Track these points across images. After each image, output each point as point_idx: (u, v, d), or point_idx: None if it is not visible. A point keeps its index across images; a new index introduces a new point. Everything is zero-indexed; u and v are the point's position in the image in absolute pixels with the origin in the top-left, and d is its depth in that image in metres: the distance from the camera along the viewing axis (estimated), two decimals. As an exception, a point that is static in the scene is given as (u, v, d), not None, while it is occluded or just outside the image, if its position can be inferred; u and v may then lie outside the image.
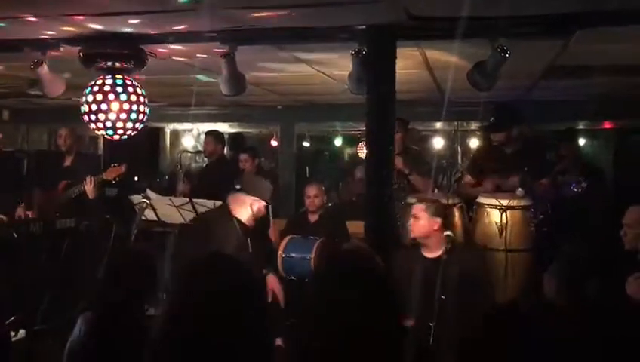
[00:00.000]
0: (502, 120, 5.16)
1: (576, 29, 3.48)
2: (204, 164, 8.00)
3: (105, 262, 3.91)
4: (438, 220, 3.68)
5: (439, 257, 3.59)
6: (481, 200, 4.73)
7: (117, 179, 5.42)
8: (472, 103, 5.86)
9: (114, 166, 5.42)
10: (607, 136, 8.77)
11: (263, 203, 3.92)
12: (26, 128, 9.02)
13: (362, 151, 9.07)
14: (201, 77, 5.22)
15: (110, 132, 3.97)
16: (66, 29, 3.65)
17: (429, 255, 3.69)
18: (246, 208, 3.83)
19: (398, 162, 5.15)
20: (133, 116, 3.89)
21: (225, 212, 3.87)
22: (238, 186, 3.96)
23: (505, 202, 4.55)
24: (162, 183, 8.49)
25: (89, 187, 5.33)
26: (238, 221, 3.83)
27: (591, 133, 8.68)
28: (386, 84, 3.59)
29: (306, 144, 10.43)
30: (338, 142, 10.32)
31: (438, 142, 8.29)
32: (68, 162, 5.81)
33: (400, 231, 4.42)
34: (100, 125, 3.86)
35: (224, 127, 8.56)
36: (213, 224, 3.89)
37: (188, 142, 10.25)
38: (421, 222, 3.68)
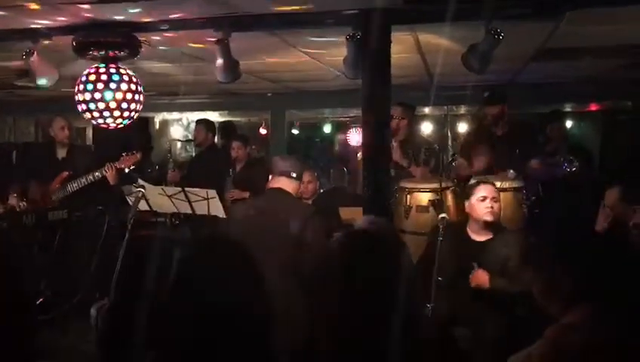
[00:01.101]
0: (496, 94, 5.39)
1: (567, 10, 3.52)
2: (194, 153, 7.99)
3: (127, 249, 3.81)
4: None
5: (486, 241, 3.72)
6: (474, 183, 4.78)
7: (132, 166, 5.39)
8: (462, 87, 5.90)
9: (128, 154, 5.38)
10: (594, 118, 8.86)
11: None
12: (13, 120, 8.92)
13: (351, 137, 9.12)
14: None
15: (103, 120, 3.94)
16: (58, 18, 3.62)
17: (478, 238, 3.74)
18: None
19: (396, 155, 5.17)
20: (129, 105, 3.87)
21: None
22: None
23: (497, 184, 4.60)
24: (152, 173, 8.45)
25: (111, 173, 5.31)
26: None
27: (578, 115, 8.77)
28: (382, 69, 3.60)
29: (295, 131, 10.44)
30: (328, 128, 10.34)
31: (427, 127, 8.34)
32: (63, 154, 5.75)
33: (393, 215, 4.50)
34: (96, 114, 3.83)
35: (214, 116, 8.53)
36: None
37: (177, 132, 10.21)
38: (498, 204, 3.73)
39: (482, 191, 3.76)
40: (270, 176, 3.75)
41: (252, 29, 3.81)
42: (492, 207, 3.68)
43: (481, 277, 3.52)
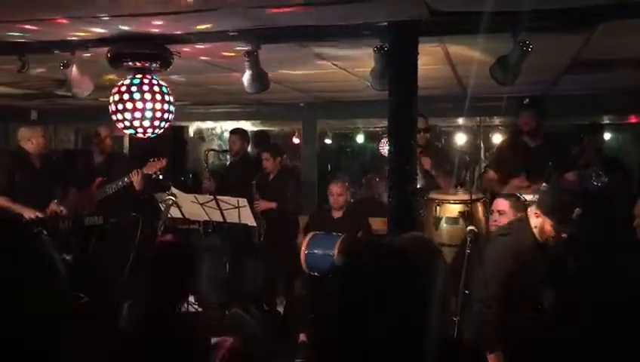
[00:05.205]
0: (532, 101, 5.38)
1: (599, 21, 3.46)
2: (228, 163, 8.07)
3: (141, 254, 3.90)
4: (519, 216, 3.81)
5: None
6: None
7: (157, 173, 5.52)
8: (494, 98, 5.84)
9: (153, 160, 5.51)
10: (635, 131, 8.64)
11: None
12: (54, 128, 9.18)
13: (384, 148, 9.07)
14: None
15: (134, 130, 4.04)
16: (93, 30, 3.73)
17: None
18: None
19: (426, 163, 5.17)
20: (158, 115, 3.96)
21: None
22: None
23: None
24: (186, 181, 8.57)
25: (136, 178, 5.46)
26: None
27: (617, 127, 8.56)
28: (409, 80, 3.60)
29: (328, 141, 10.44)
30: (360, 138, 10.32)
31: (460, 138, 8.25)
32: (101, 160, 5.96)
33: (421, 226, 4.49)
34: (127, 124, 3.93)
35: (246, 125, 8.61)
36: None
37: (211, 141, 10.34)
38: (508, 216, 3.82)
39: (498, 205, 3.94)
40: None
41: (281, 40, 3.85)
42: (496, 220, 3.87)
43: None
